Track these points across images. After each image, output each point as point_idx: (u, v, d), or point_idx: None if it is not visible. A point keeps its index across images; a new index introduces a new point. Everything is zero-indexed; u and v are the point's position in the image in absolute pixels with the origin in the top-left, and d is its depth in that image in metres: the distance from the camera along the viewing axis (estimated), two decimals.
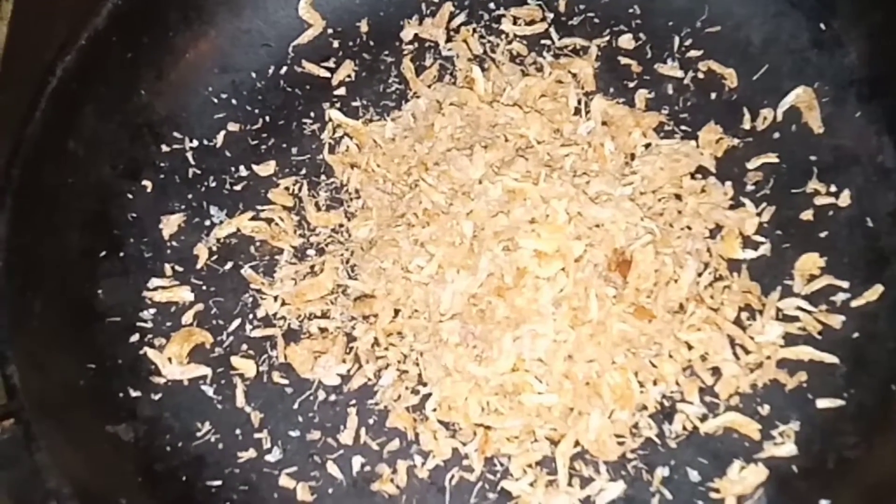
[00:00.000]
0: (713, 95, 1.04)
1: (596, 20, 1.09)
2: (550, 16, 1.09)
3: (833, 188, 0.97)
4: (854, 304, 0.92)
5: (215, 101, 1.07)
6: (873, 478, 0.84)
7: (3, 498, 0.81)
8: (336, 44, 1.10)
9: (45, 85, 0.94)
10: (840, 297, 0.93)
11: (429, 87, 1.06)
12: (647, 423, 0.89)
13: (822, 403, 0.89)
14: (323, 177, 1.04)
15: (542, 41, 1.08)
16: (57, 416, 0.86)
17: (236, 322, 0.97)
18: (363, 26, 1.11)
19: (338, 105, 1.07)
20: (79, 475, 0.83)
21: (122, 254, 0.99)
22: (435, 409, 0.91)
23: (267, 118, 1.07)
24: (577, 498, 0.87)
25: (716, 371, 0.91)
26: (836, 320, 0.92)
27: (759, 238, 0.96)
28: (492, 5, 1.10)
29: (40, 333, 0.90)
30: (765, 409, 0.89)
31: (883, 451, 0.85)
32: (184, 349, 0.95)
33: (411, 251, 0.95)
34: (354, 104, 1.07)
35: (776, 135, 1.01)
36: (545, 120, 1.01)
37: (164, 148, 1.04)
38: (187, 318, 0.97)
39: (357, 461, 0.91)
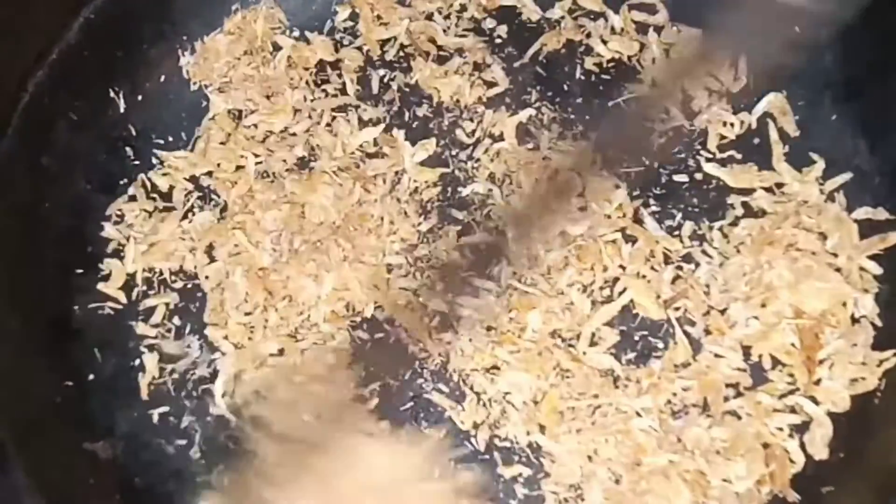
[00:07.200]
0: None
1: None
2: None
3: None
4: None
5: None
6: None
7: None
8: None
9: (18, 100, 0.94)
10: None
11: None
12: None
13: None
14: None
15: None
16: (34, 434, 0.86)
17: None
18: None
19: None
20: (57, 494, 0.82)
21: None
22: None
23: None
24: None
25: None
26: None
27: None
28: None
29: (16, 350, 0.90)
30: None
31: None
32: None
33: None
34: None
35: (756, 140, 1.01)
36: None
37: (140, 162, 1.03)
38: None
39: None
